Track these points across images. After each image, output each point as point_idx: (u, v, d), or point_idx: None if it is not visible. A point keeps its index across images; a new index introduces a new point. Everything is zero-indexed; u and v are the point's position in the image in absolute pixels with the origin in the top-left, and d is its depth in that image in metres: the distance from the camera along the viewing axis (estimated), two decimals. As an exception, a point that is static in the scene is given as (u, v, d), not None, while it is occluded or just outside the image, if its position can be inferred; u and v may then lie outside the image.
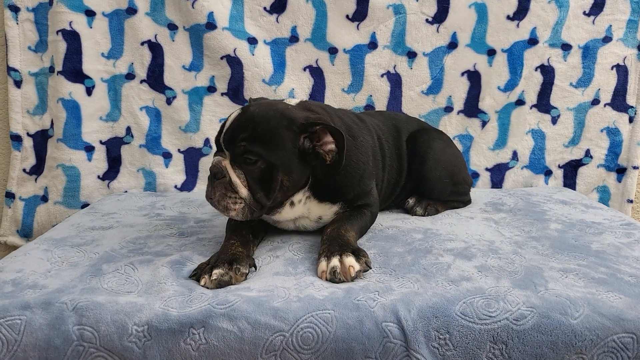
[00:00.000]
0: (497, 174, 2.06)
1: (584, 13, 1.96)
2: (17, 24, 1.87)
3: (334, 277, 1.08)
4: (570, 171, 2.08)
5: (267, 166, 1.19)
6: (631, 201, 2.07)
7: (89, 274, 1.13)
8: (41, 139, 1.94)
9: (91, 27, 1.85)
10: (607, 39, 1.98)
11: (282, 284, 1.08)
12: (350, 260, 1.10)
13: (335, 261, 1.10)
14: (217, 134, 1.25)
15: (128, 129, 1.96)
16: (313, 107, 1.32)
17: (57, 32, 1.82)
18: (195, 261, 1.20)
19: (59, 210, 1.93)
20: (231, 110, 1.95)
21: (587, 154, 2.06)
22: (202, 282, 1.07)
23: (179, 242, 1.34)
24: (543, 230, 1.44)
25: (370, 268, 1.14)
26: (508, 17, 1.94)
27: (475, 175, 2.06)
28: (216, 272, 1.07)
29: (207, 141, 1.99)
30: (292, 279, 1.11)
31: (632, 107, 2.03)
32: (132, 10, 1.87)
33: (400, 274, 1.13)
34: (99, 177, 1.96)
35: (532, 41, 1.96)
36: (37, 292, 1.04)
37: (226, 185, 1.18)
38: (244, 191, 1.19)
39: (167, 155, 1.99)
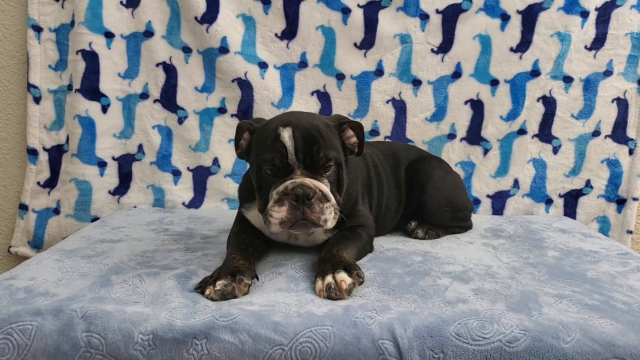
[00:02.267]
0: (498, 201, 2.10)
1: (586, 47, 2.02)
2: (39, 43, 1.95)
3: (330, 294, 1.12)
4: (571, 201, 2.11)
5: (338, 168, 1.28)
6: (631, 232, 2.09)
7: (99, 284, 1.17)
8: (56, 154, 2.01)
9: (109, 48, 1.94)
10: (608, 73, 2.03)
11: (283, 299, 1.12)
12: (341, 275, 1.14)
13: (329, 279, 1.14)
14: (273, 157, 1.22)
15: (140, 146, 2.02)
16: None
17: (77, 52, 1.90)
18: (200, 275, 1.24)
19: (69, 223, 1.98)
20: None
21: (588, 184, 2.10)
22: (207, 292, 1.11)
23: (185, 257, 1.39)
24: (540, 257, 1.47)
25: (363, 280, 1.18)
26: (511, 49, 2.00)
27: (477, 201, 2.10)
28: (220, 283, 1.11)
29: (215, 160, 2.05)
30: (293, 295, 1.14)
31: (632, 139, 2.07)
32: (149, 33, 1.96)
33: (398, 294, 1.16)
34: (109, 192, 2.02)
35: (535, 73, 2.01)
36: (48, 299, 1.08)
37: (321, 199, 1.21)
38: (333, 198, 1.25)
39: (176, 173, 2.05)
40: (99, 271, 1.26)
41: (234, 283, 1.12)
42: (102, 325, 1.00)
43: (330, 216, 1.22)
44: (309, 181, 1.22)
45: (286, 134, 1.22)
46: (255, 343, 0.98)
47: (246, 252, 1.29)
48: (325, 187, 1.23)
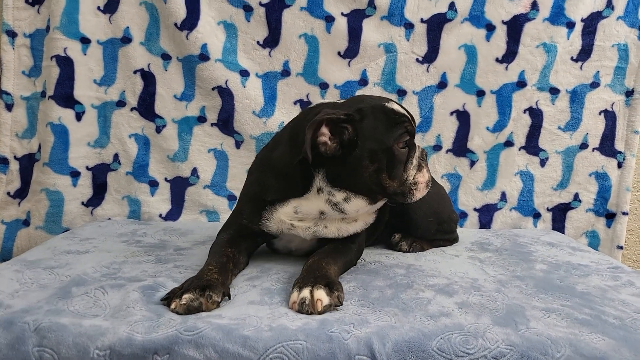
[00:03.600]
0: (486, 214, 2.05)
1: (572, 59, 1.99)
2: (13, 48, 1.89)
3: (301, 309, 1.05)
4: (559, 215, 2.06)
5: None
6: (621, 247, 2.05)
7: (57, 296, 1.09)
8: (28, 163, 1.93)
9: (85, 54, 1.88)
10: (594, 85, 2.00)
11: (255, 312, 1.04)
12: (319, 293, 1.07)
13: (305, 292, 1.07)
14: (410, 125, 1.26)
15: (115, 156, 1.95)
16: None
17: (51, 58, 1.84)
18: (168, 287, 1.16)
19: (39, 236, 1.90)
20: (220, 140, 1.98)
21: (576, 197, 2.05)
22: (173, 306, 1.03)
23: (155, 269, 1.31)
24: (528, 270, 1.41)
25: (341, 304, 1.10)
26: (497, 60, 1.97)
27: (464, 215, 2.05)
28: (186, 297, 1.03)
29: (194, 171, 1.98)
30: (266, 308, 1.07)
31: (620, 152, 2.03)
32: (126, 40, 1.90)
33: (378, 307, 1.10)
34: (83, 203, 1.94)
35: (521, 84, 1.98)
36: (1, 311, 1.00)
37: None
38: None
39: (153, 184, 1.98)
40: (60, 283, 1.18)
41: (202, 298, 1.04)
42: (56, 340, 0.92)
43: None
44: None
45: (397, 107, 1.27)
46: (222, 359, 0.91)
47: (225, 267, 1.20)
48: None
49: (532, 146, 2.03)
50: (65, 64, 1.85)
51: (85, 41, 1.87)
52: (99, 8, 1.88)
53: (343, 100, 1.32)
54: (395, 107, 1.26)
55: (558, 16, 1.94)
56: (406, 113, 1.26)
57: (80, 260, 1.37)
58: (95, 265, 1.31)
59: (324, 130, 1.19)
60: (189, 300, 1.03)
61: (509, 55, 1.97)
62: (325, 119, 1.18)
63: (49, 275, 1.24)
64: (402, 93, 2.00)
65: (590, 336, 0.99)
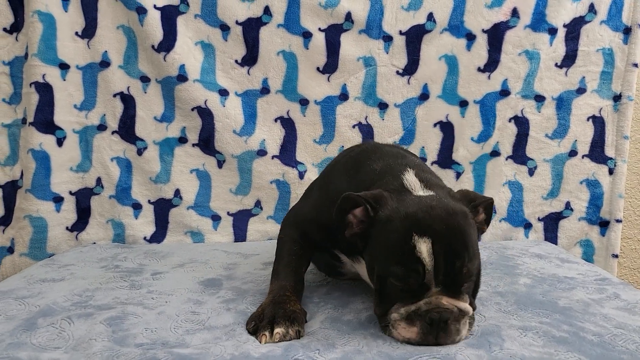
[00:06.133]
0: (475, 226, 2.00)
1: (556, 65, 1.96)
2: (-7, 77, 1.90)
3: None
4: (551, 224, 2.02)
5: (477, 275, 1.07)
6: (616, 256, 1.99)
7: (22, 328, 1.08)
8: (11, 190, 1.93)
9: (64, 80, 1.87)
10: (581, 90, 1.96)
11: (221, 338, 1.02)
12: None
13: None
14: (406, 275, 0.99)
15: (98, 180, 1.94)
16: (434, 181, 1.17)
17: (31, 85, 1.84)
18: (139, 315, 1.15)
19: (24, 262, 1.88)
20: (202, 160, 1.96)
21: (568, 206, 2.01)
22: (263, 341, 1.02)
23: (127, 295, 1.29)
24: (511, 285, 1.38)
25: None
26: (479, 69, 1.95)
27: (452, 227, 2.00)
28: (278, 331, 1.03)
29: (177, 192, 1.97)
30: (233, 333, 1.05)
31: (611, 158, 1.99)
32: (105, 64, 1.90)
33: (348, 330, 1.07)
34: (67, 228, 1.93)
35: (504, 92, 1.95)
36: (-40, 347, 0.99)
37: (457, 318, 1.00)
38: (471, 310, 1.03)
39: (137, 206, 1.96)
40: (28, 313, 1.16)
41: (291, 331, 1.04)
42: (11, 376, 0.91)
43: (465, 331, 1.02)
44: (447, 301, 0.99)
45: (424, 249, 0.97)
46: (180, 391, 0.89)
47: (298, 287, 1.20)
48: (464, 303, 1.01)
49: (519, 155, 1.99)
50: (45, 90, 1.85)
51: (64, 67, 1.87)
52: (77, 33, 1.88)
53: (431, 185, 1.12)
54: (420, 248, 0.97)
55: (539, 22, 1.91)
56: (425, 263, 0.97)
57: (54, 288, 1.35)
58: (67, 294, 1.29)
59: (359, 212, 1.08)
60: (282, 336, 1.03)
61: (491, 64, 1.94)
62: (361, 202, 1.05)
63: (18, 305, 1.22)
64: (383, 106, 1.98)
65: (567, 355, 0.95)
